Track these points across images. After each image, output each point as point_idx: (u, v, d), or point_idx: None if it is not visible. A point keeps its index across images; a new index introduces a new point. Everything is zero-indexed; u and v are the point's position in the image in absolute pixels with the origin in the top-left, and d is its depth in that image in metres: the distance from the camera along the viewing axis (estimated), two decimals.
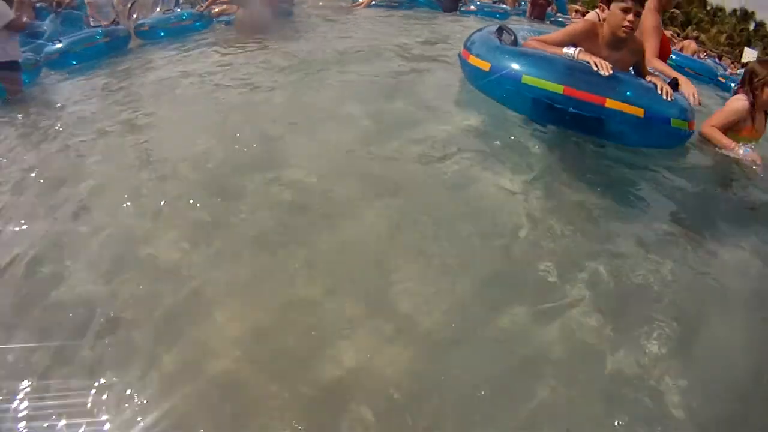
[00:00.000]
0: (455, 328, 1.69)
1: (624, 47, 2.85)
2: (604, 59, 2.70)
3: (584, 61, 2.69)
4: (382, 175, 2.50)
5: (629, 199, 2.50)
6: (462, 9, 10.00)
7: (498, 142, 2.81)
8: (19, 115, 4.23)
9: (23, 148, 3.42)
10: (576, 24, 3.17)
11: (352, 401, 1.46)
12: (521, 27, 3.90)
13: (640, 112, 2.58)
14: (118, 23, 6.92)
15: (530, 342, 1.67)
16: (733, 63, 13.96)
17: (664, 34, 3.47)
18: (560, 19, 10.30)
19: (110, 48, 6.40)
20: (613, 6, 2.69)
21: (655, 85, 2.71)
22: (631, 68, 3.00)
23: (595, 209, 2.32)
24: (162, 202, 2.36)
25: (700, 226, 2.37)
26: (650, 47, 3.19)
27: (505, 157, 2.67)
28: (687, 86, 2.96)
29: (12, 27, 4.67)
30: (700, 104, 2.95)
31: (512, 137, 2.84)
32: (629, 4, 2.63)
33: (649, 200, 2.48)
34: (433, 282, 1.88)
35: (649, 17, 3.19)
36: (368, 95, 3.55)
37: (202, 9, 7.59)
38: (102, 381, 1.51)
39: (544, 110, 2.74)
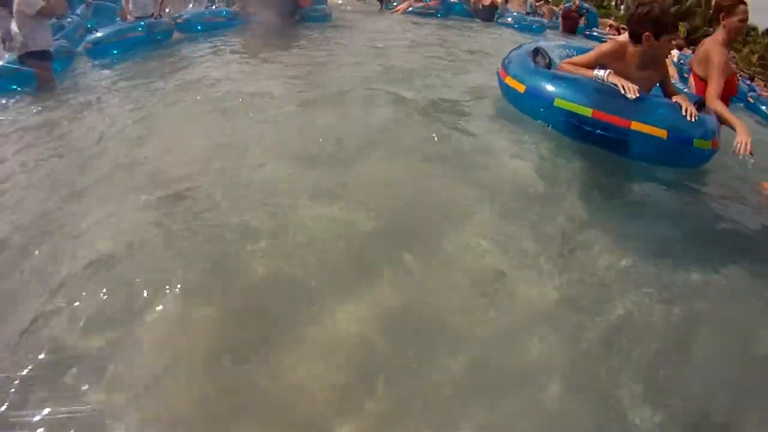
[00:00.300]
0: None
1: (651, 67, 3.05)
2: (633, 78, 2.91)
3: (612, 84, 2.89)
4: (419, 192, 2.63)
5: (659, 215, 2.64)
6: (499, 21, 10.10)
7: (533, 154, 2.99)
8: (42, 107, 4.28)
9: (37, 142, 3.45)
10: (605, 45, 3.34)
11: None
12: (557, 44, 4.08)
13: (663, 133, 2.74)
14: (159, 16, 7.18)
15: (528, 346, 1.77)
16: (766, 85, 13.78)
17: (732, 72, 3.29)
18: (595, 33, 10.37)
19: (151, 40, 6.55)
20: (663, 39, 2.88)
21: (680, 106, 2.85)
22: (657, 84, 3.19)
23: (622, 221, 2.47)
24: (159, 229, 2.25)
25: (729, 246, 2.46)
26: (713, 85, 3.07)
27: (539, 166, 2.86)
28: (742, 134, 2.83)
29: (40, 14, 4.73)
30: (751, 154, 2.80)
31: (548, 150, 3.02)
32: (676, 36, 2.87)
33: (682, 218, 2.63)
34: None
35: (717, 52, 3.10)
36: (402, 110, 3.64)
37: (238, 8, 8.01)
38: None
39: (574, 130, 2.96)
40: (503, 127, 3.34)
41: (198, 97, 4.04)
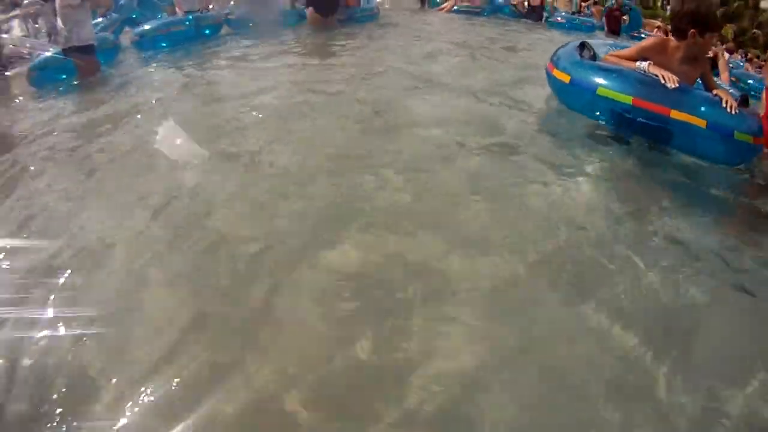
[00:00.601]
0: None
1: (693, 63, 3.17)
2: (674, 71, 3.03)
3: (653, 74, 3.04)
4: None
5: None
6: (549, 20, 10.10)
7: (577, 149, 3.08)
8: (82, 99, 4.43)
9: (72, 132, 3.55)
10: (648, 39, 3.47)
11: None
12: (604, 42, 4.20)
13: (702, 122, 2.83)
14: (206, 10, 7.38)
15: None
16: None
17: None
18: (643, 35, 10.21)
19: (199, 35, 6.68)
20: (707, 36, 3.03)
21: (720, 99, 2.89)
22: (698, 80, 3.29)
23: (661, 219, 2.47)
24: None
25: None
26: None
27: (580, 162, 2.94)
28: None
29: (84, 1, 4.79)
30: None
31: (592, 145, 3.12)
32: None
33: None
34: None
35: None
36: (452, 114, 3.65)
37: None
38: None
39: (615, 119, 3.13)
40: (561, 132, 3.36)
41: (237, 96, 4.06)
